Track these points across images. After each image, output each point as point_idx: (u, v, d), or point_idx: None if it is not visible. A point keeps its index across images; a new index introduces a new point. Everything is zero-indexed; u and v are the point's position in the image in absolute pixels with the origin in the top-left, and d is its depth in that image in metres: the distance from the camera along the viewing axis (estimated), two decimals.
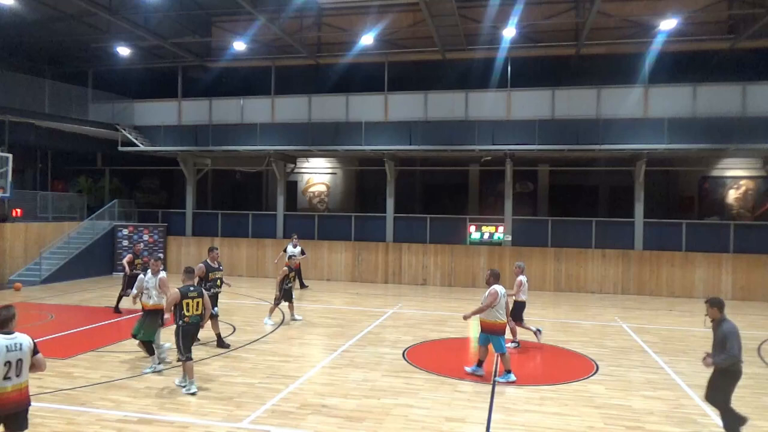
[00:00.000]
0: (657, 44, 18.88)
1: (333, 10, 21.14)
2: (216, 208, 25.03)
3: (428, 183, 26.04)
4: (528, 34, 20.13)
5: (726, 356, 6.30)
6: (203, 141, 21.95)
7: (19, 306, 14.44)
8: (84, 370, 9.08)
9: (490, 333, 9.02)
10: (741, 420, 6.46)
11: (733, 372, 6.40)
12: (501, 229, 20.33)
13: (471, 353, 10.80)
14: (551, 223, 20.29)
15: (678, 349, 11.34)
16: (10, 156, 17.15)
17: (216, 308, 10.71)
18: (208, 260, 11.05)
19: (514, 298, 10.83)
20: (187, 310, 8.06)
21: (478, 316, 9.11)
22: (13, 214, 19.46)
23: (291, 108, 21.63)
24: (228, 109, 22.19)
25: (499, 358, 9.22)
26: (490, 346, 9.10)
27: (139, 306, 9.63)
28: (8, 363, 4.80)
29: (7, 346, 4.82)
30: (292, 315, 13.33)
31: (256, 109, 21.93)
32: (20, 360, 4.88)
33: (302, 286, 18.55)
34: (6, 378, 4.81)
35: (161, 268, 9.56)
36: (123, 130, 21.97)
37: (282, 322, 13.11)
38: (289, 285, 13.09)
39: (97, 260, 21.14)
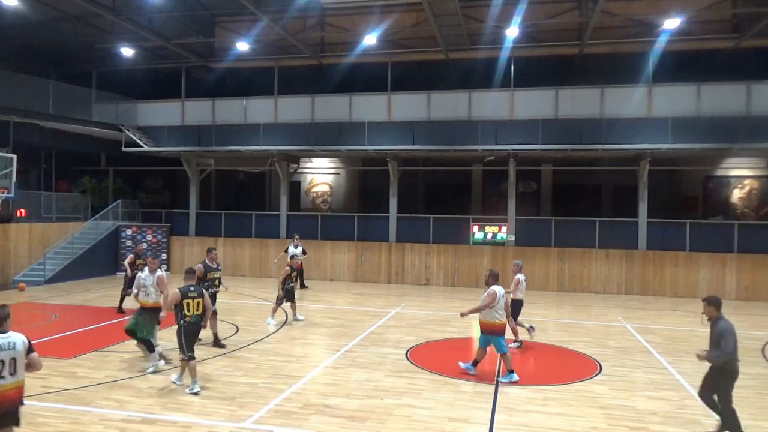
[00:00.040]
0: (661, 43, 18.80)
1: (336, 10, 21.13)
2: (219, 209, 25.06)
3: (431, 183, 26.00)
4: (531, 34, 20.07)
5: (720, 354, 6.29)
6: (206, 141, 21.99)
7: (24, 306, 14.67)
8: (88, 369, 9.11)
9: (490, 334, 9.02)
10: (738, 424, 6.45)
11: (729, 371, 6.39)
12: (504, 229, 20.30)
13: (473, 353, 10.76)
14: (554, 223, 20.26)
15: (681, 349, 11.29)
16: (15, 156, 17.19)
17: (214, 306, 10.76)
18: (206, 260, 11.17)
19: (511, 296, 10.83)
20: (188, 310, 8.13)
21: (478, 317, 9.10)
22: (18, 214, 19.54)
23: (294, 108, 21.64)
24: (231, 110, 22.21)
25: (501, 358, 9.21)
26: (491, 348, 9.09)
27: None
28: (2, 362, 4.83)
29: (0, 345, 4.85)
30: (295, 315, 13.36)
31: (259, 110, 21.95)
32: (14, 359, 4.91)
33: (302, 286, 18.53)
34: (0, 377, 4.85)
35: (159, 266, 9.65)
36: (126, 131, 22.06)
37: (285, 322, 13.14)
38: (291, 285, 13.16)
39: (100, 260, 21.21)
